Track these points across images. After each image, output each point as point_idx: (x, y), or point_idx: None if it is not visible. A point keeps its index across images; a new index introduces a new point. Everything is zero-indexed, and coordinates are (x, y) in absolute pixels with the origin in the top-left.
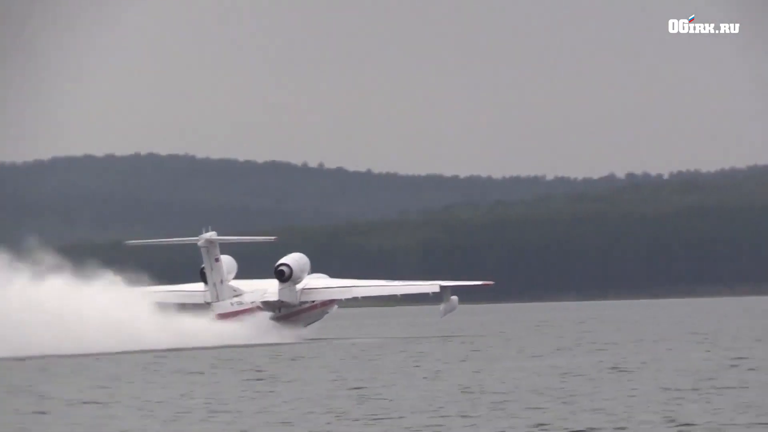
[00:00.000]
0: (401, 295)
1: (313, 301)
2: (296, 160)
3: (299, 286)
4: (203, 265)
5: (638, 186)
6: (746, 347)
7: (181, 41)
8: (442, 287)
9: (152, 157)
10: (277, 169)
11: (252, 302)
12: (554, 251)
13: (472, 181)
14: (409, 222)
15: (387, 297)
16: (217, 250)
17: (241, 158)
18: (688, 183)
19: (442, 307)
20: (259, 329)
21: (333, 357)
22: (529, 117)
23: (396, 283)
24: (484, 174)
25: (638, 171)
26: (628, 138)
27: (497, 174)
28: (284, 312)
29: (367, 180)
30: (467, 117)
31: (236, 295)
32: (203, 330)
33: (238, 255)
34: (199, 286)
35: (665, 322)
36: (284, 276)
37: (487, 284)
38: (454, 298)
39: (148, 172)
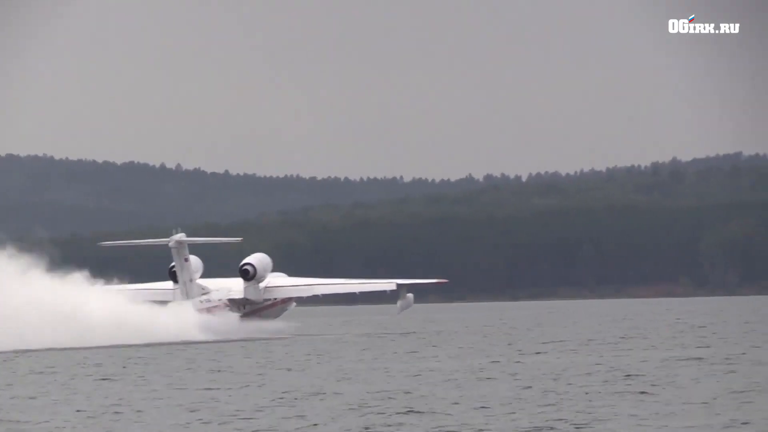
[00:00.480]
0: (359, 292)
1: (275, 299)
2: (154, 161)
3: (262, 285)
4: (172, 265)
5: (497, 188)
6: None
7: (38, 45)
8: (398, 285)
9: (11, 158)
10: (135, 170)
11: (219, 300)
12: (415, 252)
13: (330, 183)
14: (268, 223)
15: (346, 295)
16: (186, 251)
17: (100, 159)
18: (547, 185)
19: (398, 303)
20: (227, 325)
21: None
22: (386, 119)
23: (354, 281)
24: (341, 176)
25: (496, 173)
26: (486, 140)
27: (355, 176)
28: (248, 309)
29: (225, 181)
30: (324, 118)
31: (204, 293)
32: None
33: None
34: (168, 284)
35: (519, 324)
36: (249, 275)
37: (441, 282)
38: (410, 295)
39: (7, 172)
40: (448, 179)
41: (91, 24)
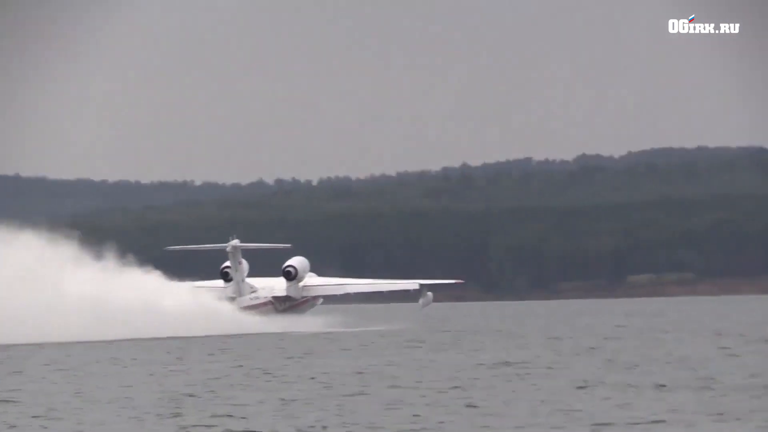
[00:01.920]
0: (386, 291)
1: (311, 297)
2: None
3: (301, 284)
4: (224, 266)
5: (288, 192)
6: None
7: None
8: (420, 285)
9: None
10: None
11: (265, 297)
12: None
13: (121, 186)
14: (59, 227)
15: (374, 294)
16: (240, 254)
17: None
18: (337, 189)
19: (420, 301)
20: (271, 318)
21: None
22: (176, 121)
23: (381, 281)
24: (132, 179)
25: (287, 177)
26: (276, 144)
27: (145, 179)
28: (288, 305)
29: (15, 184)
30: (113, 121)
31: (252, 291)
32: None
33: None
34: (219, 282)
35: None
36: (291, 275)
37: (459, 282)
38: (430, 293)
39: None
40: (239, 183)
41: None
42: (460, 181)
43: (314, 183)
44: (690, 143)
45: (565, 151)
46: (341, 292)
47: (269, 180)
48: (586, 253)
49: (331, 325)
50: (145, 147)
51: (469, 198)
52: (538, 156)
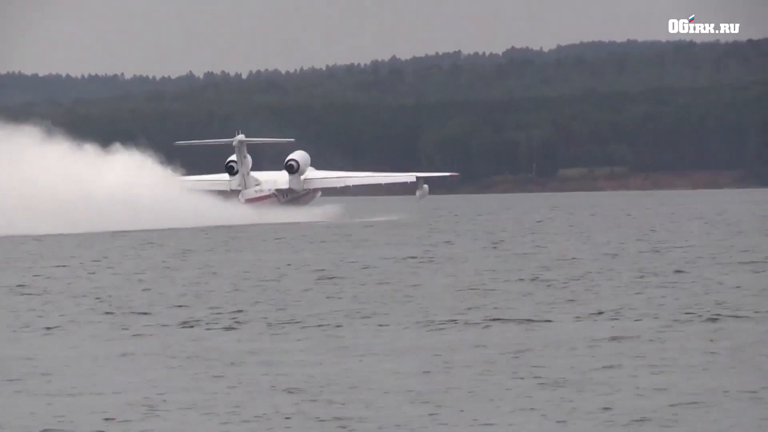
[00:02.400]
0: (384, 183)
1: (312, 189)
2: None
3: (303, 177)
4: (229, 159)
5: (217, 85)
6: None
7: None
8: (417, 177)
9: None
10: None
11: (269, 190)
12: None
13: (52, 80)
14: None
15: (373, 186)
16: (245, 149)
17: None
18: (267, 82)
19: (417, 193)
20: (274, 210)
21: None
22: (107, 15)
23: (379, 174)
24: (63, 72)
25: (217, 70)
26: (207, 37)
27: (76, 72)
28: (290, 197)
29: None
30: (43, 15)
31: (257, 184)
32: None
33: None
34: (224, 176)
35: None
36: (293, 169)
37: (454, 175)
38: (426, 186)
39: None
40: (169, 76)
41: None
42: (389, 74)
43: (244, 76)
44: (620, 37)
45: (494, 45)
46: (341, 185)
47: (199, 73)
48: (516, 147)
49: (326, 216)
50: (76, 40)
51: (398, 91)
52: (468, 49)
